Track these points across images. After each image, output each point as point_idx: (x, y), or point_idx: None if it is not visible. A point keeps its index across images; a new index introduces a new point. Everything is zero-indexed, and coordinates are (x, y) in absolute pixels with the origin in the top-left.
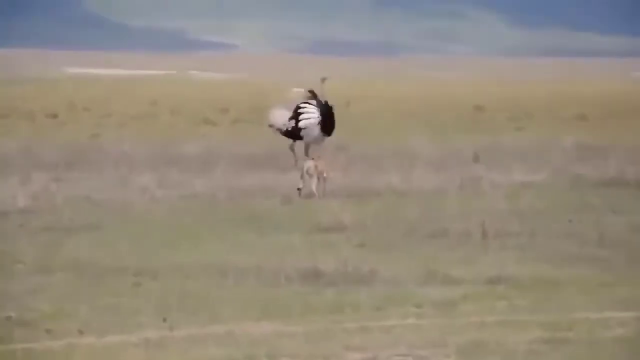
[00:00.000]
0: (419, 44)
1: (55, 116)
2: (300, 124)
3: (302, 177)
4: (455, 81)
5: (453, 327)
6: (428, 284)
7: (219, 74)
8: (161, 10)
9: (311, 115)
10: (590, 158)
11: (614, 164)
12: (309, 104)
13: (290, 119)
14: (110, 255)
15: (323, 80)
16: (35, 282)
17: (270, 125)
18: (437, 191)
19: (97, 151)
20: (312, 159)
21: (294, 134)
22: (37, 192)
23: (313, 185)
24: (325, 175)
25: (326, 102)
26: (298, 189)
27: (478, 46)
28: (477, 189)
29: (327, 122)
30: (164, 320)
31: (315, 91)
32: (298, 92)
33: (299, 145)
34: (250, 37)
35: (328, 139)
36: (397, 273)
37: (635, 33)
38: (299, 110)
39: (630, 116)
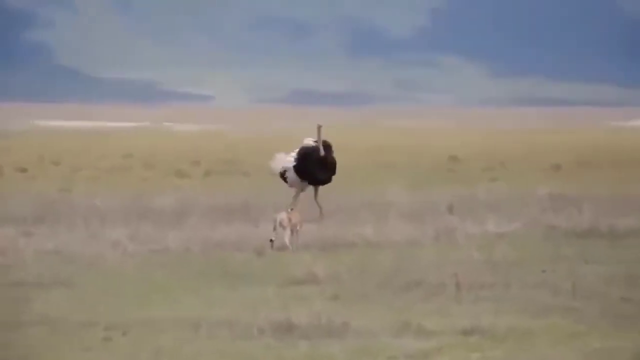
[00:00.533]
0: (395, 93)
1: (24, 170)
2: (282, 167)
3: (274, 229)
4: (430, 131)
5: None
6: (402, 335)
7: (192, 126)
8: (134, 62)
9: (290, 159)
10: (564, 208)
11: (588, 215)
12: (305, 148)
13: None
14: (80, 310)
15: (319, 127)
16: (5, 337)
17: (272, 170)
18: (412, 242)
19: (67, 205)
20: (289, 210)
21: (284, 178)
22: (5, 247)
23: (286, 237)
24: (298, 227)
25: (311, 148)
26: (270, 240)
27: (454, 95)
28: (452, 240)
29: (305, 168)
30: None
31: (312, 139)
32: (308, 141)
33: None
34: (224, 88)
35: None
36: (370, 325)
37: (612, 82)
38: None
39: (604, 166)
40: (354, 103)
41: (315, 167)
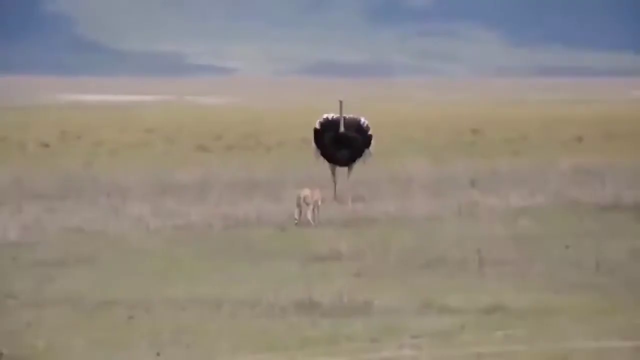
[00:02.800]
0: (415, 64)
1: (47, 145)
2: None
3: (298, 205)
4: (451, 103)
5: (450, 357)
6: (425, 313)
7: (214, 99)
8: (157, 35)
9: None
10: (587, 181)
11: (611, 188)
12: (325, 121)
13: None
14: (103, 289)
15: (340, 103)
16: (28, 317)
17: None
18: (434, 217)
19: (90, 181)
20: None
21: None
22: (28, 224)
23: (309, 214)
24: (319, 203)
25: (331, 122)
26: (295, 219)
27: (475, 66)
28: (474, 214)
29: (322, 143)
30: (158, 354)
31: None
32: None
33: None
34: (246, 60)
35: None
36: (393, 303)
37: (636, 51)
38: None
39: (627, 137)
40: (375, 74)
41: (332, 144)
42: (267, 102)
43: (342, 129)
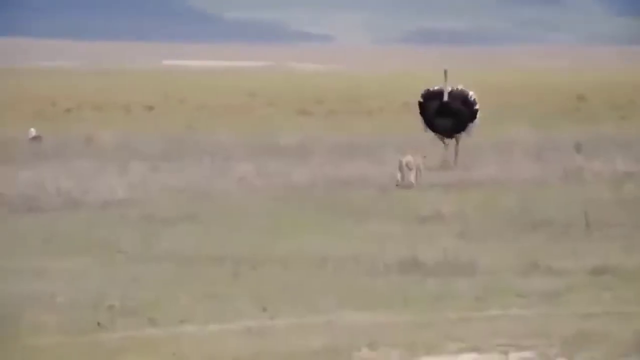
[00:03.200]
0: (517, 32)
1: (151, 108)
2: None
3: (400, 169)
4: (556, 70)
5: (557, 317)
6: (529, 274)
7: (315, 65)
8: (259, 2)
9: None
10: None
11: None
12: (428, 92)
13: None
14: (208, 245)
15: (445, 72)
16: (136, 271)
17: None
18: (539, 182)
19: (193, 142)
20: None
21: None
22: (135, 183)
23: (412, 176)
24: (421, 168)
25: (434, 93)
26: (397, 181)
27: (578, 34)
28: (580, 179)
29: (425, 113)
30: (264, 309)
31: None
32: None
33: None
34: (346, 28)
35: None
36: (498, 264)
37: None
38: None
39: None
40: (477, 42)
41: (436, 114)
42: (367, 69)
43: (446, 97)
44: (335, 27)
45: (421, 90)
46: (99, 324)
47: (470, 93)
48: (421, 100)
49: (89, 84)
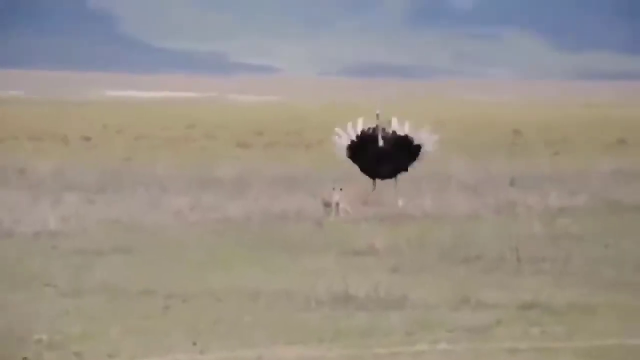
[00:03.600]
0: (456, 67)
1: (88, 138)
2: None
3: (325, 207)
4: (493, 105)
5: (485, 352)
6: (460, 309)
7: (256, 97)
8: (201, 33)
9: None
10: (629, 183)
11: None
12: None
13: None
14: (140, 279)
15: (377, 115)
16: (66, 304)
17: None
18: (472, 215)
19: (129, 174)
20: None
21: None
22: (68, 214)
23: (336, 211)
24: (348, 209)
25: (367, 137)
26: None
27: (517, 69)
28: (513, 213)
29: (361, 160)
30: (194, 344)
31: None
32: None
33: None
34: (289, 59)
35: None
36: (429, 298)
37: None
38: None
39: None
40: (417, 76)
41: (373, 161)
42: (308, 101)
43: (380, 142)
44: (277, 59)
45: (345, 130)
46: (25, 358)
47: (407, 132)
48: (353, 140)
49: (26, 113)
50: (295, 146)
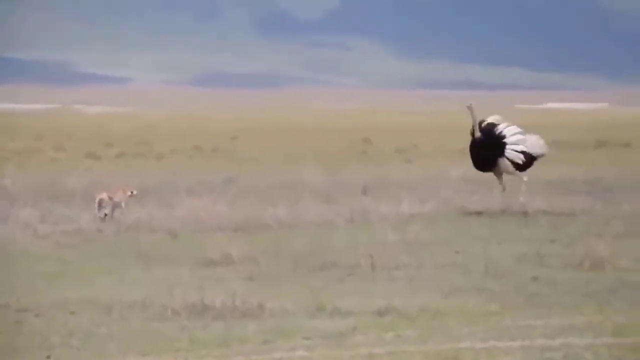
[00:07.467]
0: (305, 75)
1: None
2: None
3: (98, 206)
4: (342, 113)
5: (342, 358)
6: (317, 316)
7: (104, 108)
8: (48, 42)
9: None
10: (477, 190)
11: (499, 195)
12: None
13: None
14: None
15: (469, 107)
16: None
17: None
18: (326, 224)
19: None
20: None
21: None
22: None
23: (105, 212)
24: (122, 205)
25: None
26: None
27: (364, 78)
28: (366, 220)
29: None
30: (48, 357)
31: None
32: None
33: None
34: (137, 69)
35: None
36: (285, 306)
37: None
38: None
39: None
40: (266, 85)
41: (471, 149)
42: (159, 111)
43: (477, 133)
44: (127, 69)
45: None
46: None
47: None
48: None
49: None
50: (146, 156)
